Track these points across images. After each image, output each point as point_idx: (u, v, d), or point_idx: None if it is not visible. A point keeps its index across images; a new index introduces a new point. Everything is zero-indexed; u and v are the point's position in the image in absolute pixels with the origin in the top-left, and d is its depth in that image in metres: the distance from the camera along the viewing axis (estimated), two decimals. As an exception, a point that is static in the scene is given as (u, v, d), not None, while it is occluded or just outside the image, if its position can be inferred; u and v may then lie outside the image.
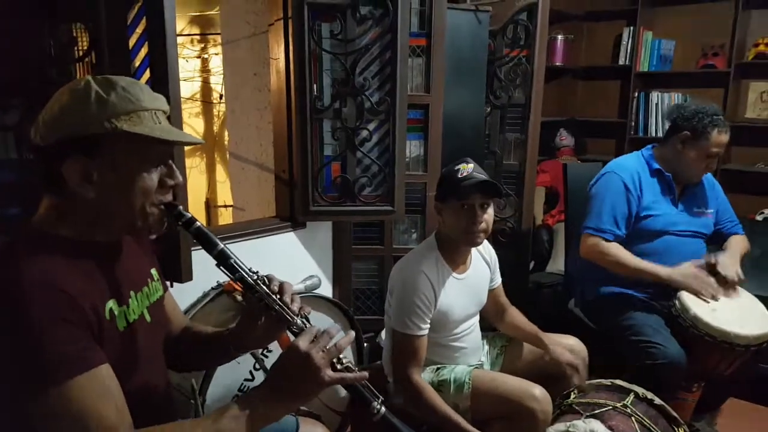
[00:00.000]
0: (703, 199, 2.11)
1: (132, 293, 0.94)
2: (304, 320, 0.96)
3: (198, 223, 0.94)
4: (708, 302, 1.88)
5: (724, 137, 1.95)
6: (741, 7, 3.31)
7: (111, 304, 0.87)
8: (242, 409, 0.86)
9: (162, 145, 0.88)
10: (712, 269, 1.94)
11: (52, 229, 0.85)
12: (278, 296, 0.97)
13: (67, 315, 0.77)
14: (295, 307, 0.97)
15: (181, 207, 0.93)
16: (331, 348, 0.89)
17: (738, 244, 2.10)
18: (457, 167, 1.57)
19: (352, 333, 0.97)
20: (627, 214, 1.99)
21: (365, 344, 2.08)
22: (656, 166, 2.06)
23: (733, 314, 1.84)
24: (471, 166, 1.57)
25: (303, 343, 0.87)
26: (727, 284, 1.92)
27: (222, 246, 0.95)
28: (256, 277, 0.97)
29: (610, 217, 1.98)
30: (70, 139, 0.82)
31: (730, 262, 1.96)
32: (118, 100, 0.82)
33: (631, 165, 2.06)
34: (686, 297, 1.88)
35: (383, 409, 0.95)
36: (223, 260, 0.95)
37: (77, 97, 0.83)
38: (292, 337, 0.93)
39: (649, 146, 2.15)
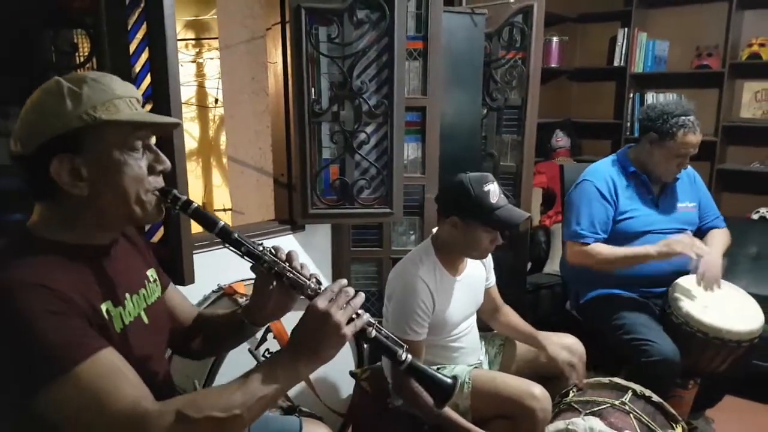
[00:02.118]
0: (685, 194, 2.14)
1: (127, 295, 0.94)
2: (316, 284, 0.96)
3: (195, 204, 0.94)
4: (695, 298, 1.89)
5: (692, 137, 1.97)
6: (734, 7, 3.34)
7: (106, 305, 0.87)
8: (269, 371, 0.86)
9: (142, 130, 0.88)
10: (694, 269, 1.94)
11: (46, 234, 0.86)
12: (287, 264, 0.97)
13: (59, 308, 0.77)
14: (306, 272, 0.98)
15: (176, 191, 0.93)
16: (350, 305, 0.89)
17: (719, 238, 2.11)
18: (485, 188, 1.50)
19: (362, 294, 0.96)
20: (604, 219, 2.03)
21: (365, 346, 2.09)
22: (632, 168, 2.09)
23: (725, 310, 1.86)
24: (498, 188, 1.53)
25: (321, 302, 0.88)
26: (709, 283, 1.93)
27: (223, 223, 0.95)
28: (262, 248, 0.97)
29: (587, 223, 2.02)
30: (52, 140, 0.82)
31: (710, 267, 1.92)
32: (92, 92, 0.83)
33: (604, 171, 2.10)
34: (678, 294, 1.90)
35: (409, 356, 0.95)
36: (227, 236, 0.95)
37: (50, 96, 0.83)
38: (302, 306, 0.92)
39: (626, 147, 2.19)
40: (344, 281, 0.93)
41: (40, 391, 0.75)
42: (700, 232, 2.16)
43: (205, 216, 0.95)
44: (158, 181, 0.92)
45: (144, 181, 0.89)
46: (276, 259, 0.96)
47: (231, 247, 0.96)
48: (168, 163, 0.93)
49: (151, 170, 0.90)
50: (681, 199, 2.13)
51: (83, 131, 0.82)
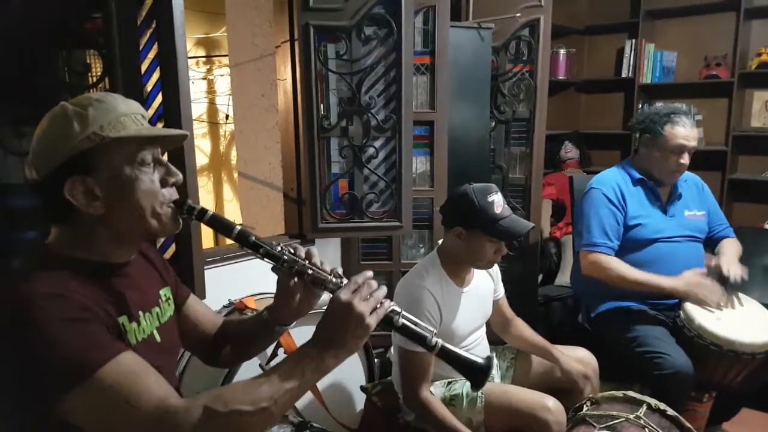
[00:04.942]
0: (693, 202, 2.13)
1: (141, 313, 0.95)
2: (338, 278, 0.96)
3: (210, 212, 0.95)
4: (713, 311, 1.87)
5: (681, 130, 1.97)
6: (742, 17, 3.33)
7: (122, 319, 0.89)
8: (295, 364, 0.86)
9: (150, 144, 0.90)
10: (717, 273, 1.93)
11: (64, 252, 0.87)
12: (307, 261, 0.97)
13: (78, 315, 0.78)
14: (327, 268, 0.98)
15: (190, 201, 0.94)
16: (373, 296, 0.90)
17: (731, 247, 2.10)
18: (489, 198, 1.51)
19: (384, 287, 0.95)
20: (615, 225, 2.02)
21: (376, 360, 2.08)
22: (637, 175, 2.09)
23: (738, 322, 1.83)
24: (502, 198, 1.53)
25: (344, 294, 0.88)
26: (731, 291, 1.92)
27: (240, 227, 0.96)
28: (280, 248, 0.98)
29: (599, 230, 2.01)
30: (63, 163, 0.83)
31: (732, 265, 1.96)
32: (97, 112, 0.84)
33: (611, 178, 2.11)
34: (690, 307, 1.88)
35: (440, 341, 0.94)
36: (245, 240, 0.96)
37: (57, 121, 0.85)
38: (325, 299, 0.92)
39: (629, 157, 2.19)
40: (369, 273, 0.93)
41: (65, 396, 0.76)
42: (711, 241, 2.15)
43: (222, 222, 0.96)
44: (172, 193, 0.93)
45: (158, 194, 0.90)
46: (295, 258, 0.97)
47: (250, 251, 0.96)
48: (180, 176, 0.94)
49: (164, 183, 0.91)
50: (689, 207, 2.12)
51: (93, 152, 0.84)
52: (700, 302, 1.88)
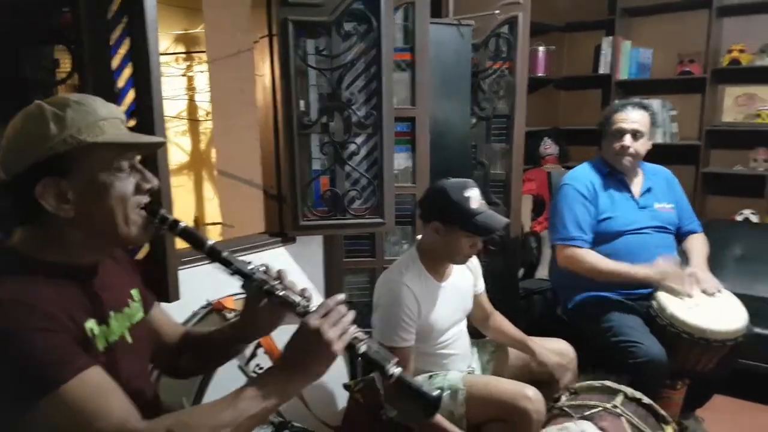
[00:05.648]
0: (663, 194, 2.21)
1: (111, 313, 0.93)
2: (307, 300, 0.96)
3: (183, 224, 0.95)
4: (685, 300, 1.93)
5: (620, 115, 2.10)
6: (714, 15, 3.41)
7: (90, 323, 0.87)
8: (259, 388, 0.87)
9: (128, 150, 0.88)
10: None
11: (31, 253, 0.85)
12: (278, 282, 0.97)
13: (44, 325, 0.77)
14: (297, 290, 0.98)
15: (163, 210, 0.93)
16: (341, 322, 0.90)
17: (700, 248, 2.17)
18: (465, 193, 1.52)
19: (353, 311, 0.96)
20: (588, 219, 2.09)
21: (358, 357, 2.08)
22: (606, 170, 2.17)
23: (709, 311, 1.89)
24: (478, 193, 1.55)
25: (313, 319, 0.88)
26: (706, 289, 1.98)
27: (212, 242, 0.96)
28: (252, 267, 0.98)
29: (573, 224, 2.07)
30: (36, 164, 0.81)
31: (705, 276, 2.02)
32: (76, 115, 0.83)
33: (583, 174, 2.19)
34: (663, 296, 1.94)
35: (398, 370, 0.95)
36: (216, 255, 0.95)
37: (33, 121, 0.83)
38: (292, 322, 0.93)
39: (599, 153, 2.27)
40: (340, 297, 0.94)
41: (29, 409, 0.75)
42: (679, 235, 2.22)
43: (194, 235, 0.96)
44: (145, 200, 0.92)
45: (130, 201, 0.89)
46: (266, 278, 0.97)
47: (221, 266, 0.96)
48: (155, 181, 0.93)
49: (138, 189, 0.90)
50: (659, 199, 2.19)
51: (69, 155, 0.82)
52: (673, 290, 1.93)
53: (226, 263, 0.96)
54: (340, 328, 0.89)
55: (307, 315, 0.91)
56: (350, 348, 0.92)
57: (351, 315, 0.92)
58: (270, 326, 1.07)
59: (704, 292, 1.97)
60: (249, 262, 0.98)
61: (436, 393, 0.96)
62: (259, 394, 0.86)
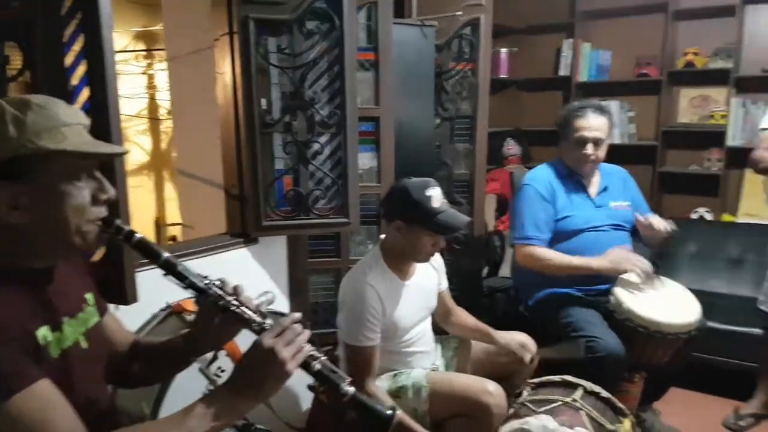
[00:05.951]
0: (618, 193, 2.28)
1: (65, 319, 0.90)
2: (262, 317, 0.95)
3: (138, 235, 0.92)
4: (638, 295, 1.99)
5: (582, 122, 2.12)
6: (669, 19, 3.53)
7: (43, 330, 0.83)
8: (209, 406, 0.85)
9: (88, 159, 0.85)
10: (649, 227, 2.06)
11: None
12: (233, 297, 0.96)
13: None
14: (252, 306, 0.97)
15: (118, 221, 0.91)
16: (295, 341, 0.89)
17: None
18: (427, 192, 1.52)
19: (308, 331, 0.96)
20: (546, 219, 2.14)
21: (324, 356, 2.06)
22: (565, 170, 2.23)
23: (663, 305, 1.97)
24: (440, 192, 1.56)
25: (267, 339, 0.87)
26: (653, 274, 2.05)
27: (166, 255, 0.93)
28: (208, 282, 0.96)
29: (532, 224, 2.12)
30: None
31: (659, 220, 2.10)
32: (37, 119, 0.79)
33: (542, 175, 2.24)
34: (620, 292, 2.00)
35: (352, 389, 0.95)
36: (171, 269, 0.94)
37: None
38: (244, 340, 0.91)
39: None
40: (297, 315, 0.93)
41: None
42: (635, 232, 2.28)
43: (149, 247, 0.93)
44: (101, 211, 0.89)
45: (86, 212, 0.86)
46: (222, 293, 0.95)
47: (175, 280, 0.94)
48: (113, 192, 0.90)
49: (95, 199, 0.87)
50: (615, 197, 2.26)
51: (25, 159, 0.79)
52: (629, 282, 1.99)
53: (181, 277, 0.94)
54: (295, 347, 0.89)
55: (262, 333, 0.89)
56: (305, 366, 0.92)
57: (306, 334, 0.91)
58: (224, 340, 1.06)
59: (657, 230, 2.03)
60: (205, 276, 0.97)
61: (389, 412, 0.97)
62: (209, 412, 0.85)
